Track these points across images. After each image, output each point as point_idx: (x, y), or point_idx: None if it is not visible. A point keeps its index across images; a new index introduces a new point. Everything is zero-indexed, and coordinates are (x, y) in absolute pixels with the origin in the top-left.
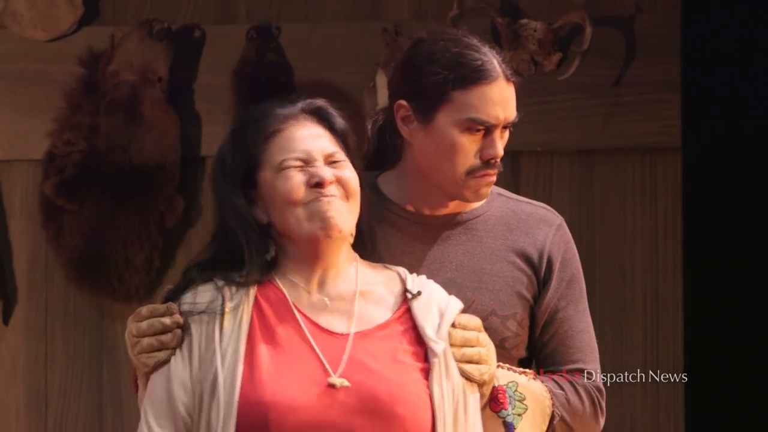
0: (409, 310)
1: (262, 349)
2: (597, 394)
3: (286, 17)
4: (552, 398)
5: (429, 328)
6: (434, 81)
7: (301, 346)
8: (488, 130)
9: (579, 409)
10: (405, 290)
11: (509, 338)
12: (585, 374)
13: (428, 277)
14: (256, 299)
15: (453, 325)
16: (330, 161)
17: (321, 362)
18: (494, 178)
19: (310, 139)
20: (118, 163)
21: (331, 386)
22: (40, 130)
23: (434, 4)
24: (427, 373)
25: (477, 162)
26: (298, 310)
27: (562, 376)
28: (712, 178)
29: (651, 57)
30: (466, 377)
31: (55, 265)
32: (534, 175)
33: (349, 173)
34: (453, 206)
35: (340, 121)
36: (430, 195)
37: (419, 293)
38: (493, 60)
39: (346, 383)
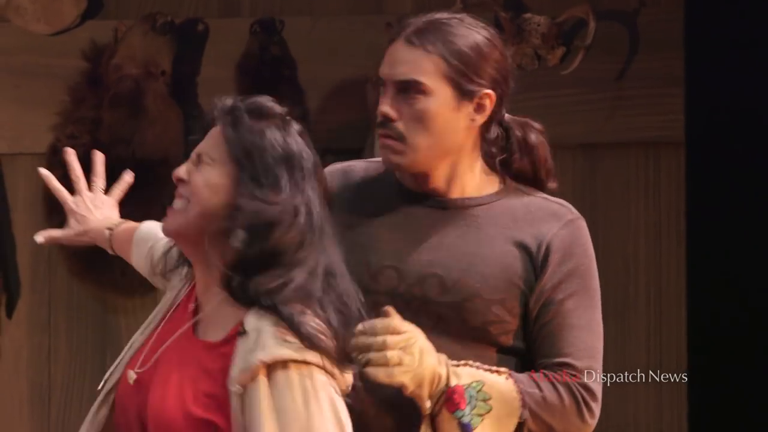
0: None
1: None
2: (582, 391)
3: (289, 11)
4: (522, 398)
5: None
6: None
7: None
8: (384, 87)
9: (557, 407)
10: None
11: (493, 322)
12: (570, 370)
13: (417, 257)
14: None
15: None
16: (196, 160)
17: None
18: (390, 142)
19: (205, 138)
20: (121, 157)
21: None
22: (44, 123)
23: None
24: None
25: (378, 121)
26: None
27: (544, 375)
28: (716, 172)
29: (654, 51)
30: (374, 380)
31: (58, 259)
32: None
33: (198, 177)
34: (448, 189)
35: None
36: (417, 176)
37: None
38: (408, 25)
39: (132, 379)
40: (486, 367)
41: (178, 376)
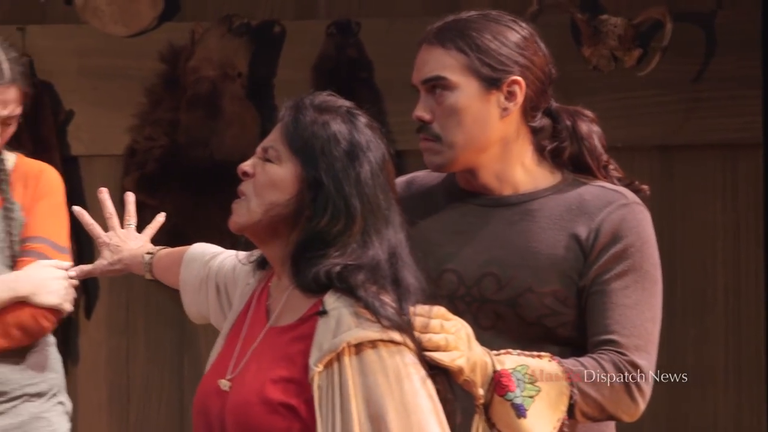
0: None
1: (230, 334)
2: (630, 368)
3: (365, 12)
4: (569, 377)
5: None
6: None
7: (235, 339)
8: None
9: (605, 384)
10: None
11: (547, 315)
12: (616, 347)
13: (474, 258)
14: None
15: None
16: (262, 155)
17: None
18: (427, 145)
19: (271, 133)
20: (199, 159)
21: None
22: (121, 125)
23: None
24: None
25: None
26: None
27: (589, 356)
28: None
29: (731, 53)
30: (438, 365)
31: None
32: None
33: (262, 173)
34: (502, 187)
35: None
36: (472, 176)
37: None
38: (432, 28)
39: (227, 386)
40: (527, 353)
41: (256, 366)
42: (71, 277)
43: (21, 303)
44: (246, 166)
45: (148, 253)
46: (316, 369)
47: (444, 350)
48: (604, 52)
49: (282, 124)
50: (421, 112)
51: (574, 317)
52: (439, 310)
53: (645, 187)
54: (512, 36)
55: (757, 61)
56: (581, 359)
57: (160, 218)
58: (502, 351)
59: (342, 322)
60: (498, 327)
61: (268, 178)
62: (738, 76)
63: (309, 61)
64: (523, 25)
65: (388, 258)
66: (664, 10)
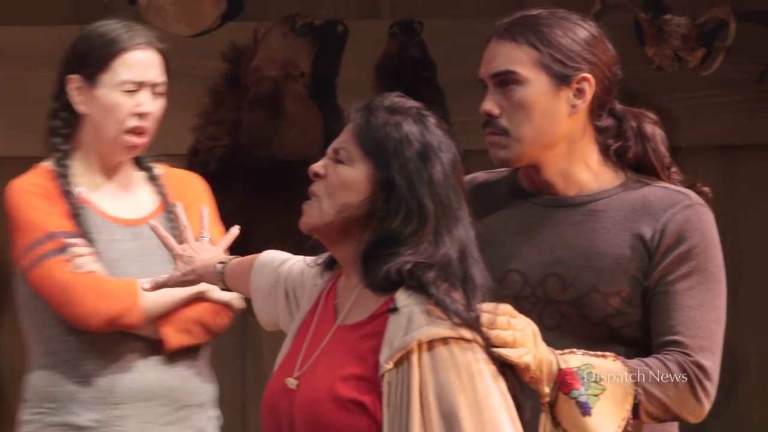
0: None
1: (297, 333)
2: (695, 369)
3: (428, 12)
4: (633, 376)
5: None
6: None
7: (302, 338)
8: (485, 86)
9: (669, 384)
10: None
11: (613, 315)
12: (681, 348)
13: (538, 258)
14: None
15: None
16: (333, 157)
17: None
18: (494, 139)
19: (341, 133)
20: (261, 159)
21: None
22: (184, 125)
23: None
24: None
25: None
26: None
27: (654, 356)
28: None
29: None
30: (505, 361)
31: None
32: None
33: (333, 174)
34: (568, 187)
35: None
36: (535, 177)
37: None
38: (499, 24)
39: (294, 384)
40: (591, 353)
41: (325, 363)
42: (145, 289)
43: (198, 299)
44: (317, 167)
45: (220, 262)
46: (387, 366)
47: (511, 347)
48: (668, 51)
49: (353, 125)
50: (490, 105)
51: (639, 317)
52: (506, 307)
53: (706, 189)
54: (582, 33)
55: None
56: (646, 360)
57: (235, 231)
58: (566, 350)
59: (413, 319)
60: (562, 327)
61: (341, 180)
62: None
63: (372, 61)
64: (592, 23)
65: (458, 256)
66: (729, 9)
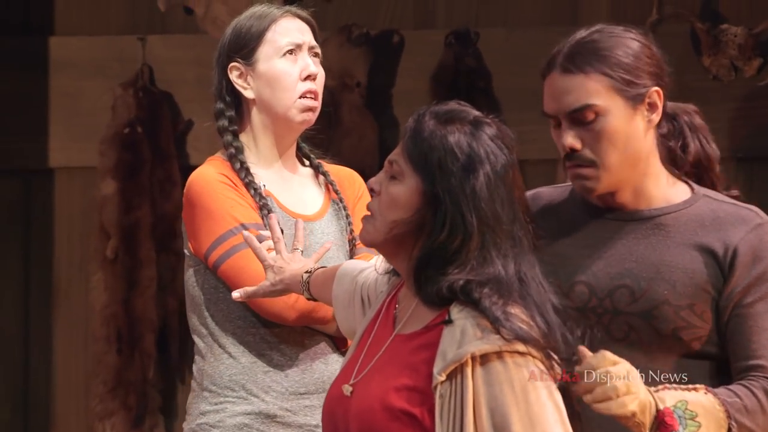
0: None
1: (360, 340)
2: None
3: (484, 22)
4: (726, 409)
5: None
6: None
7: (363, 345)
8: (558, 122)
9: (758, 412)
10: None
11: (683, 328)
12: (765, 373)
13: (606, 270)
14: (396, 292)
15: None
16: (389, 170)
17: (355, 365)
18: (582, 171)
19: (398, 145)
20: None
21: (345, 392)
22: None
23: (634, 8)
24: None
25: (563, 154)
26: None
27: (739, 383)
28: None
29: None
30: (613, 415)
31: None
32: (733, 181)
33: (385, 192)
34: (636, 201)
35: None
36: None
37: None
38: (560, 53)
39: (348, 391)
40: (683, 387)
41: (381, 373)
42: (235, 298)
43: None
44: (373, 183)
45: (307, 272)
46: (440, 378)
47: (614, 399)
48: (724, 61)
49: (404, 138)
50: (572, 140)
51: (709, 331)
52: (603, 356)
53: (737, 192)
54: (638, 47)
55: None
56: (733, 388)
57: (328, 245)
58: (660, 387)
59: (467, 333)
60: (630, 339)
61: (391, 198)
62: None
63: (428, 71)
64: (638, 32)
65: (514, 272)
66: None
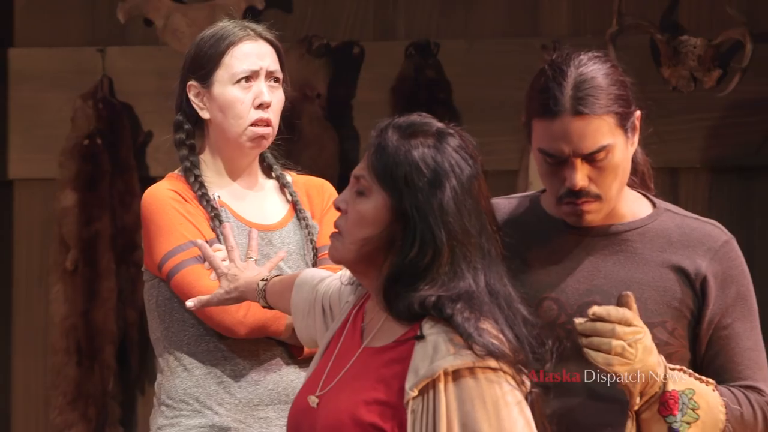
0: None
1: (326, 351)
2: None
3: (445, 33)
4: (727, 412)
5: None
6: (527, 107)
7: (329, 356)
8: (563, 160)
9: (751, 425)
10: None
11: (657, 346)
12: (757, 393)
13: (574, 287)
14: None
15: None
16: (355, 186)
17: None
18: (587, 206)
19: (362, 160)
20: None
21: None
22: None
23: (593, 20)
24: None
25: (564, 189)
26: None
27: (741, 390)
28: None
29: None
30: (592, 361)
31: None
32: (693, 192)
33: (353, 210)
34: (603, 217)
35: None
36: None
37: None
38: (563, 95)
39: (315, 403)
40: (696, 375)
41: (350, 386)
42: (189, 307)
43: None
44: (339, 201)
45: (262, 280)
46: (412, 393)
47: (603, 353)
48: (684, 72)
49: (370, 152)
50: (583, 181)
51: (680, 348)
52: (623, 314)
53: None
54: (619, 74)
55: None
56: (738, 395)
57: (282, 254)
58: (677, 367)
59: (439, 348)
60: None
61: (359, 216)
62: None
63: (388, 82)
64: (605, 54)
65: (484, 286)
66: (744, 30)
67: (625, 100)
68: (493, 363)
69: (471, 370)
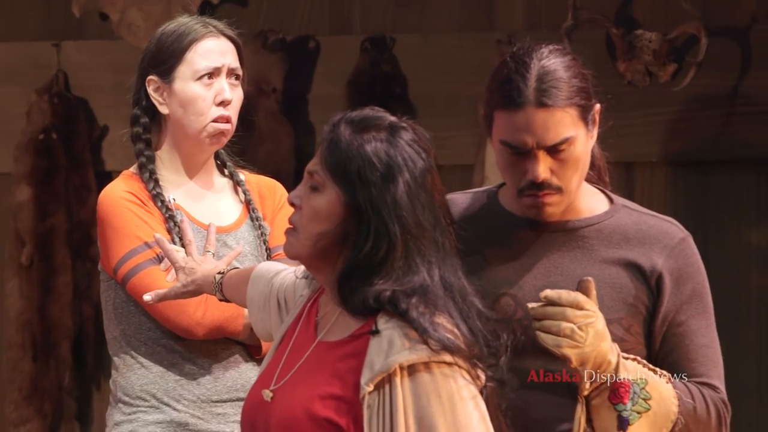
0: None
1: (280, 345)
2: (723, 407)
3: (400, 28)
4: (679, 405)
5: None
6: (488, 99)
7: (284, 350)
8: (526, 152)
9: (704, 420)
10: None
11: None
12: (712, 389)
13: (532, 283)
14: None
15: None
16: (309, 181)
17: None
18: (548, 199)
19: (316, 155)
20: None
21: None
22: None
23: (549, 14)
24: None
25: (525, 182)
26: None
27: (696, 385)
28: None
29: (767, 67)
30: (541, 344)
31: None
32: (648, 186)
33: (307, 206)
34: (560, 213)
35: None
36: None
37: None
38: (526, 87)
39: (269, 397)
40: (651, 366)
41: (304, 380)
42: (146, 301)
43: None
44: (293, 197)
45: (219, 273)
46: (367, 389)
47: (552, 335)
48: (639, 67)
49: (323, 148)
50: (546, 173)
51: (636, 344)
52: (574, 298)
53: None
54: (579, 67)
55: None
56: (693, 390)
57: (239, 248)
58: (631, 356)
59: (394, 343)
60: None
61: (313, 211)
62: None
63: (344, 77)
64: (565, 48)
65: (439, 280)
66: (699, 24)
67: (586, 93)
68: (448, 357)
69: (426, 365)
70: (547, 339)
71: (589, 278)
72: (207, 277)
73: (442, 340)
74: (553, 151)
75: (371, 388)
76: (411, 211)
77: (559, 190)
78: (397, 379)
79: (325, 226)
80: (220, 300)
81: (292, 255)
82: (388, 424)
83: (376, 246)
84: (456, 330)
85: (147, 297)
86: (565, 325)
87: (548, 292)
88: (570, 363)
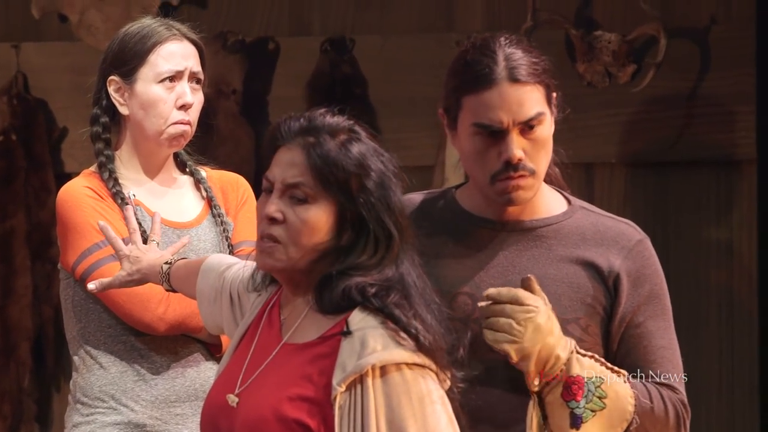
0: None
1: (239, 346)
2: (682, 408)
3: (360, 29)
4: (636, 405)
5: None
6: (451, 88)
7: (245, 352)
8: (501, 132)
9: (661, 420)
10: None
11: None
12: (671, 390)
13: (489, 282)
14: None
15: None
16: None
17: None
18: (523, 182)
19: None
20: None
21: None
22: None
23: (508, 15)
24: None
25: (498, 166)
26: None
27: (655, 386)
28: None
29: (726, 68)
30: (486, 341)
31: None
32: (608, 187)
33: (296, 219)
34: (518, 212)
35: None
36: (489, 200)
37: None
38: (497, 65)
39: (234, 402)
40: (609, 365)
41: (272, 383)
42: (91, 290)
43: None
44: (274, 212)
45: (166, 263)
46: (339, 389)
47: (492, 331)
48: (598, 68)
49: (299, 156)
50: (520, 152)
51: (594, 345)
52: (513, 294)
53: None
54: (539, 53)
55: (750, 77)
56: (651, 390)
57: (185, 240)
58: (589, 353)
59: (367, 343)
60: None
61: (305, 224)
62: (732, 92)
63: (304, 78)
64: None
65: (412, 279)
66: (658, 26)
67: (548, 75)
68: (419, 359)
69: (398, 366)
70: (487, 335)
71: (531, 276)
72: (153, 266)
73: (420, 341)
74: (527, 128)
75: (343, 388)
76: (401, 212)
77: (532, 172)
78: (369, 380)
79: (319, 238)
80: (167, 290)
81: (278, 268)
82: (359, 425)
83: (375, 251)
84: (430, 330)
85: (91, 285)
86: (503, 320)
87: (490, 291)
88: (511, 359)
